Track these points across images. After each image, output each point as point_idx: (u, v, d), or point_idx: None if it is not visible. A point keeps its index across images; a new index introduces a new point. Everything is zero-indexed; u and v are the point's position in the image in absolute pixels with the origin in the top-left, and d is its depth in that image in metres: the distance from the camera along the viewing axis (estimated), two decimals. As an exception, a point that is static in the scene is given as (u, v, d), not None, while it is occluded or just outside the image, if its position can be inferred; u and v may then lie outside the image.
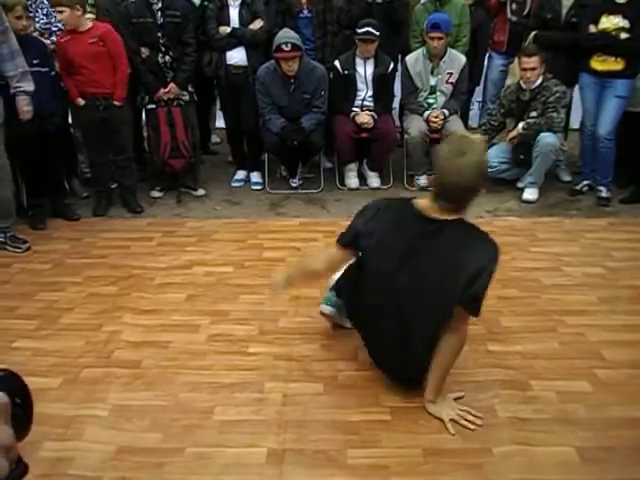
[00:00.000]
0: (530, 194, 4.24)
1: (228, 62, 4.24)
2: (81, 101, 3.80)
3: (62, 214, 3.97)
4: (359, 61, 4.30)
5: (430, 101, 4.45)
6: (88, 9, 3.84)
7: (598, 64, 4.05)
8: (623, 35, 3.89)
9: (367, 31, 4.11)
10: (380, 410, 2.18)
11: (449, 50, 4.31)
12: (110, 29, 3.77)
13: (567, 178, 4.61)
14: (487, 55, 4.83)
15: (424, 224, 2.01)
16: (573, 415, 2.15)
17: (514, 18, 4.42)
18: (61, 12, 3.58)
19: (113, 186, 4.23)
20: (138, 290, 3.05)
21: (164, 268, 3.28)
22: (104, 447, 2.01)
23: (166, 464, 1.94)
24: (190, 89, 4.22)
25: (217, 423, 2.12)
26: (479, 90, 5.13)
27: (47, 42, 3.82)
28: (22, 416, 0.88)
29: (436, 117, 4.34)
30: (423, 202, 2.05)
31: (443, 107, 4.40)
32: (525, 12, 4.36)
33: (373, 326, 2.22)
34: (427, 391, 2.15)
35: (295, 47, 3.93)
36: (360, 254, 2.17)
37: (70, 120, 4.16)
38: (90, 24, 3.70)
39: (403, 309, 2.05)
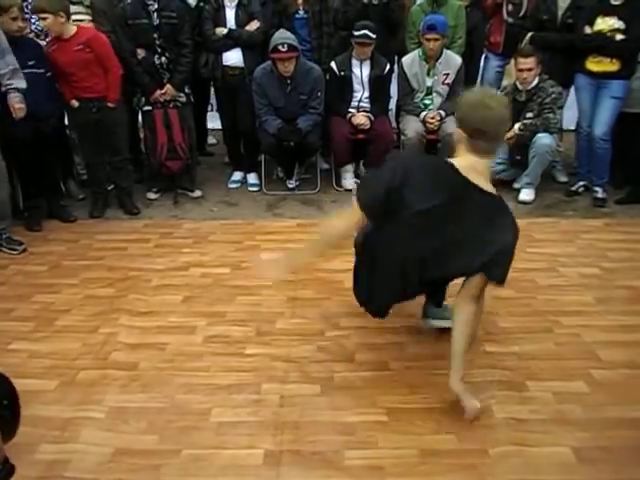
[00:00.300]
0: (526, 195, 4.24)
1: (224, 63, 4.24)
2: (75, 103, 3.80)
3: (58, 216, 3.97)
4: (355, 62, 4.30)
5: (426, 102, 4.45)
6: (84, 10, 3.84)
7: (594, 65, 4.06)
8: (618, 36, 3.90)
9: (364, 34, 4.11)
10: (377, 411, 2.18)
11: (445, 51, 4.32)
12: (96, 34, 3.74)
13: (563, 179, 4.62)
14: (483, 56, 4.84)
15: (461, 182, 2.04)
16: (570, 415, 2.16)
17: (510, 19, 4.43)
18: (44, 19, 3.53)
19: (109, 187, 4.22)
20: (135, 292, 3.04)
21: (161, 270, 3.28)
22: (101, 449, 2.00)
23: (162, 466, 1.94)
24: (187, 90, 4.21)
25: (214, 425, 2.12)
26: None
27: (43, 43, 3.81)
28: (9, 418, 0.88)
29: (432, 118, 4.34)
30: (457, 160, 2.09)
31: (439, 108, 4.40)
32: (521, 13, 4.37)
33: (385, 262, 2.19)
34: (454, 369, 2.13)
35: (291, 48, 3.93)
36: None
37: (66, 122, 4.15)
38: (74, 30, 3.65)
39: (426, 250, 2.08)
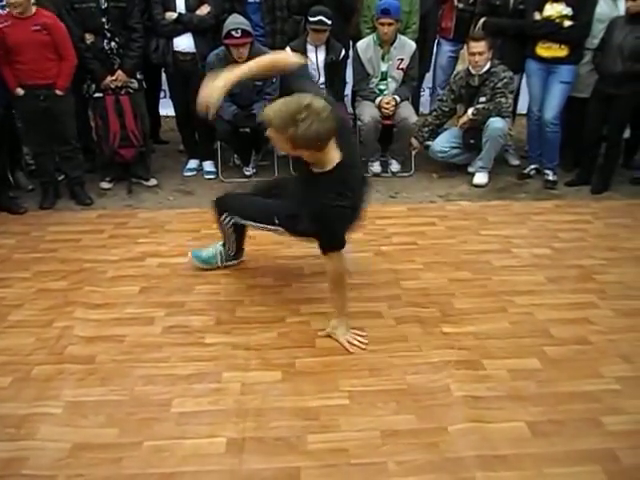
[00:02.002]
0: (480, 178, 4.33)
1: (175, 49, 4.16)
2: (20, 91, 3.64)
3: (7, 208, 3.83)
4: (310, 48, 4.27)
5: (381, 87, 4.47)
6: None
7: (543, 51, 4.16)
8: (567, 22, 4.00)
9: (319, 20, 4.08)
10: (338, 395, 2.21)
11: (399, 36, 4.34)
12: (56, 19, 3.64)
13: (515, 162, 4.74)
14: (436, 42, 4.89)
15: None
16: (524, 391, 2.23)
17: (461, 5, 4.48)
18: None
19: (60, 178, 4.10)
20: (90, 284, 2.98)
21: (116, 261, 3.21)
22: (59, 445, 1.97)
23: (124, 459, 1.92)
24: (139, 76, 4.11)
25: (175, 415, 2.10)
26: (429, 76, 5.19)
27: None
28: None
29: (388, 103, 4.37)
30: None
31: (394, 93, 4.43)
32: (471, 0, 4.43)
33: None
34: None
35: (245, 33, 3.87)
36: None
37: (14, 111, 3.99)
38: (33, 10, 3.55)
39: None
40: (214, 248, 3.08)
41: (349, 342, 2.48)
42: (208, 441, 1.99)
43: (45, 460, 1.91)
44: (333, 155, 2.27)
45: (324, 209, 2.27)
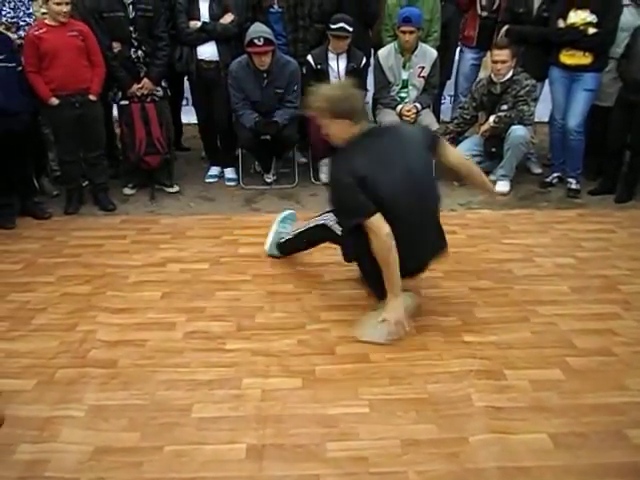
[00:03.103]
0: (502, 186, 4.30)
1: (199, 57, 4.20)
2: (55, 100, 3.71)
3: (32, 213, 3.90)
4: (332, 56, 4.29)
5: (402, 95, 4.47)
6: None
7: (567, 58, 4.12)
8: (591, 30, 3.97)
9: (341, 27, 4.10)
10: (358, 403, 2.20)
11: (420, 44, 4.34)
12: (88, 28, 3.76)
13: (538, 170, 4.69)
14: (458, 49, 4.88)
15: None
16: (547, 403, 2.20)
17: (484, 13, 4.47)
18: (67, 4, 3.58)
19: (84, 184, 4.16)
20: (112, 289, 3.01)
21: (138, 266, 3.25)
22: (81, 448, 1.98)
23: (144, 463, 1.93)
24: (163, 84, 4.17)
25: (195, 420, 2.11)
26: (450, 84, 5.18)
27: (14, 37, 3.73)
28: None
29: (408, 111, 4.37)
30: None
31: (415, 101, 4.43)
32: (495, 7, 4.42)
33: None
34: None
35: (268, 42, 3.91)
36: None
37: (40, 117, 4.06)
38: (66, 19, 3.65)
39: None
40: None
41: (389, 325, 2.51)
42: (228, 447, 1.99)
43: (67, 463, 1.93)
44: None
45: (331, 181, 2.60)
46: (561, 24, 4.06)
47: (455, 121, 4.52)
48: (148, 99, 4.10)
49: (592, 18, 3.96)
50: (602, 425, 2.09)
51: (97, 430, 2.07)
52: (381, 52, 4.42)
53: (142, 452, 1.97)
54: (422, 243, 2.58)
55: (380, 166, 2.45)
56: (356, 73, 4.33)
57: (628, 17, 4.05)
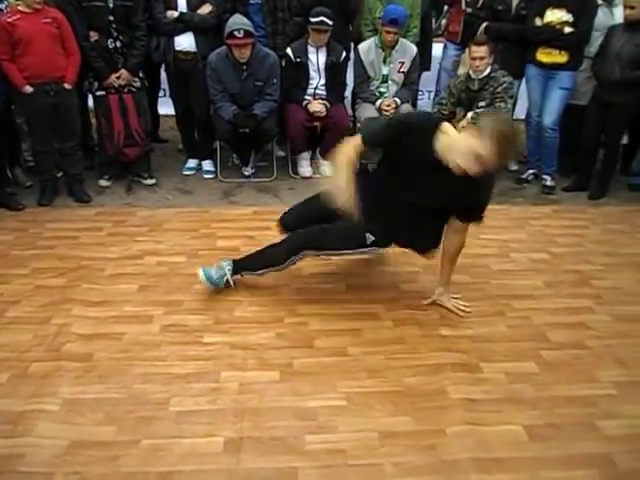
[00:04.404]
0: (479, 182, 4.33)
1: (176, 48, 4.15)
2: (29, 88, 3.62)
3: (5, 204, 3.82)
4: (311, 49, 4.28)
5: (382, 90, 4.48)
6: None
7: (543, 56, 4.18)
8: (567, 29, 4.02)
9: (321, 20, 4.09)
10: (336, 396, 2.21)
11: (401, 40, 4.35)
12: (62, 15, 3.67)
13: (514, 167, 4.75)
14: (442, 45, 4.90)
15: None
16: (521, 395, 2.24)
17: (469, 9, 4.49)
18: None
19: (59, 175, 4.09)
20: (88, 281, 2.97)
21: (114, 259, 3.21)
22: (56, 442, 1.96)
23: (121, 457, 1.91)
24: (141, 75, 4.11)
25: (173, 414, 2.10)
26: (430, 80, 5.20)
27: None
28: None
29: (388, 106, 4.38)
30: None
31: (395, 96, 4.44)
32: (479, 4, 4.44)
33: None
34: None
35: (247, 34, 3.88)
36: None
37: (13, 106, 3.98)
38: (41, 6, 3.57)
39: None
40: (222, 269, 2.84)
41: (455, 307, 2.76)
42: (206, 440, 1.99)
43: (42, 457, 1.90)
44: None
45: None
46: (538, 22, 4.11)
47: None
48: (126, 90, 4.03)
49: (568, 17, 4.02)
50: (574, 417, 2.14)
51: (72, 424, 2.04)
52: (361, 46, 4.42)
53: (118, 446, 1.96)
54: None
55: None
56: (336, 67, 4.34)
57: (601, 17, 4.13)
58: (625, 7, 3.89)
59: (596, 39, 4.10)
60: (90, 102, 4.30)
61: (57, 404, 2.13)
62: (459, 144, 2.30)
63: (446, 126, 2.41)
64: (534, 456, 1.97)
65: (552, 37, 4.07)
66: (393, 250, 3.33)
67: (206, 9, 4.12)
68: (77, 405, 2.13)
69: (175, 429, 2.04)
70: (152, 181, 4.30)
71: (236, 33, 3.85)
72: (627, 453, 1.98)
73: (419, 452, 1.96)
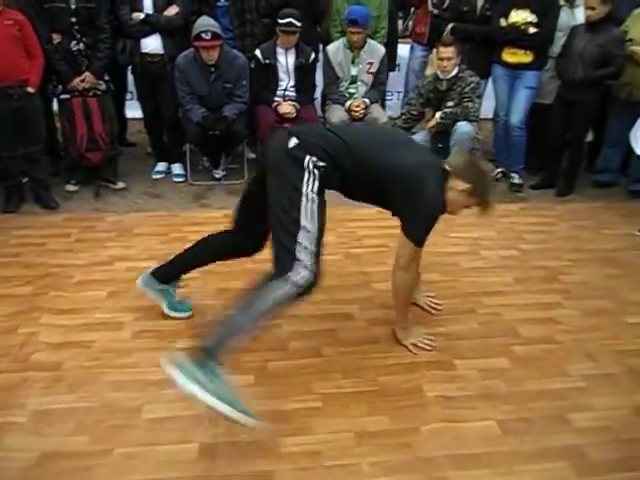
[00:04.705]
0: (449, 181, 4.38)
1: (143, 50, 4.10)
2: None
3: (-32, 211, 3.72)
4: (280, 51, 4.27)
5: (351, 91, 4.50)
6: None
7: (509, 56, 4.25)
8: (531, 29, 4.10)
9: (289, 22, 4.08)
10: (312, 397, 2.21)
11: (369, 41, 4.38)
12: (24, 17, 3.59)
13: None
14: (409, 46, 4.94)
15: None
16: (494, 390, 2.27)
17: (435, 11, 4.54)
18: None
19: (24, 180, 4.00)
20: (56, 289, 2.91)
21: (83, 265, 3.15)
22: (25, 455, 1.91)
23: (94, 467, 1.88)
24: (106, 78, 4.05)
25: (146, 422, 2.07)
26: (399, 81, 5.23)
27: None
28: None
29: (357, 106, 4.40)
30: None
31: (364, 96, 4.46)
32: (445, 5, 4.49)
33: None
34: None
35: (215, 36, 3.85)
36: None
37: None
38: (1, 7, 3.49)
39: None
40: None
41: (428, 305, 2.77)
42: (180, 447, 1.97)
43: (12, 471, 1.85)
44: None
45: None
46: (503, 23, 4.18)
47: (403, 117, 4.56)
48: (90, 93, 3.96)
49: (532, 18, 4.09)
50: (546, 410, 2.18)
51: (42, 435, 2.00)
52: (330, 47, 4.43)
53: (91, 456, 1.92)
54: None
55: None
56: (305, 68, 4.34)
57: (563, 17, 4.22)
58: (586, 8, 3.97)
59: (559, 39, 4.19)
60: (55, 106, 4.22)
61: (25, 416, 2.08)
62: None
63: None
64: (508, 450, 1.99)
65: (517, 37, 4.14)
66: (365, 251, 3.37)
67: (173, 11, 4.08)
68: (47, 416, 2.08)
69: (149, 437, 2.01)
70: (121, 185, 4.24)
71: (203, 35, 3.82)
72: (597, 445, 2.02)
73: (395, 451, 1.97)
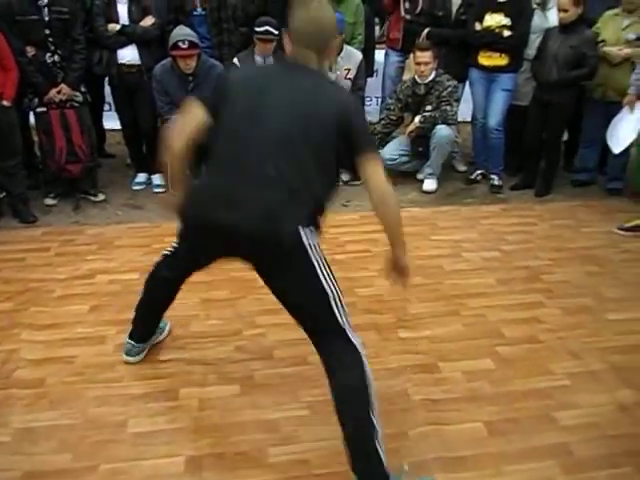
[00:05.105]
0: (429, 185, 4.42)
1: (120, 61, 4.07)
2: None
3: (-56, 228, 3.66)
4: (258, 59, 4.27)
5: (330, 97, 4.50)
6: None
7: (485, 60, 4.29)
8: (506, 32, 4.15)
9: (266, 30, 4.08)
10: (298, 406, 2.20)
11: (345, 47, 4.39)
12: None
13: (462, 168, 4.86)
14: (384, 52, 4.97)
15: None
16: (479, 392, 2.28)
17: (408, 16, 4.57)
18: None
19: (1, 195, 3.94)
20: (36, 304, 2.87)
21: (64, 279, 3.11)
22: (8, 474, 1.88)
23: (78, 484, 1.85)
24: (82, 89, 4.01)
25: (131, 436, 2.05)
26: (377, 86, 5.26)
27: None
28: None
29: (336, 113, 4.40)
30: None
31: (343, 103, 4.46)
32: (418, 10, 4.53)
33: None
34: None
35: (192, 45, 3.84)
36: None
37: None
38: None
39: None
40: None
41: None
42: (167, 461, 1.94)
43: (-7, 491, 1.82)
44: None
45: None
46: (478, 27, 4.22)
47: (382, 122, 4.60)
48: (67, 105, 3.92)
49: (506, 21, 4.14)
50: (532, 410, 2.19)
51: (25, 454, 1.97)
52: (307, 54, 4.43)
53: (75, 473, 1.89)
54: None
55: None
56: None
57: (536, 20, 4.27)
58: (559, 10, 4.03)
59: (533, 42, 4.25)
60: (32, 119, 4.18)
61: (8, 434, 2.05)
62: None
63: None
64: (496, 451, 2.00)
65: (492, 41, 4.19)
66: (348, 256, 3.37)
67: (149, 21, 4.07)
68: (30, 434, 2.05)
69: (134, 451, 1.98)
70: (101, 197, 4.20)
71: (180, 44, 3.81)
72: (583, 442, 2.04)
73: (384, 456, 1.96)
